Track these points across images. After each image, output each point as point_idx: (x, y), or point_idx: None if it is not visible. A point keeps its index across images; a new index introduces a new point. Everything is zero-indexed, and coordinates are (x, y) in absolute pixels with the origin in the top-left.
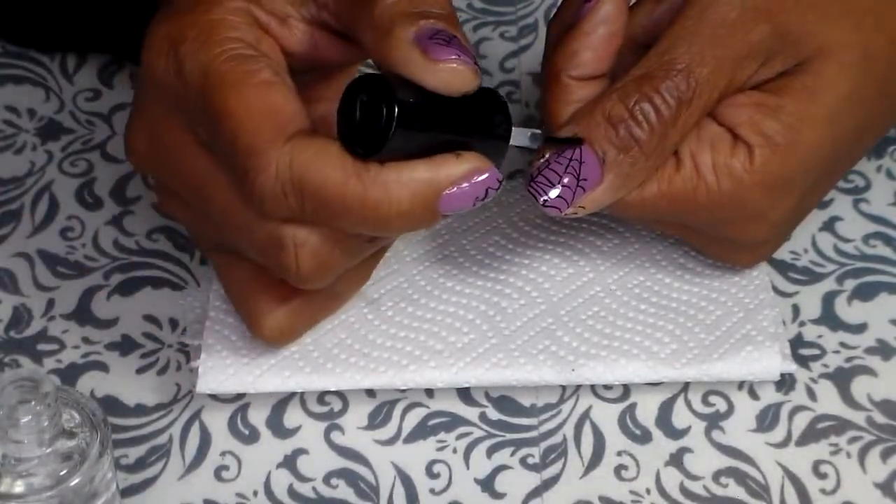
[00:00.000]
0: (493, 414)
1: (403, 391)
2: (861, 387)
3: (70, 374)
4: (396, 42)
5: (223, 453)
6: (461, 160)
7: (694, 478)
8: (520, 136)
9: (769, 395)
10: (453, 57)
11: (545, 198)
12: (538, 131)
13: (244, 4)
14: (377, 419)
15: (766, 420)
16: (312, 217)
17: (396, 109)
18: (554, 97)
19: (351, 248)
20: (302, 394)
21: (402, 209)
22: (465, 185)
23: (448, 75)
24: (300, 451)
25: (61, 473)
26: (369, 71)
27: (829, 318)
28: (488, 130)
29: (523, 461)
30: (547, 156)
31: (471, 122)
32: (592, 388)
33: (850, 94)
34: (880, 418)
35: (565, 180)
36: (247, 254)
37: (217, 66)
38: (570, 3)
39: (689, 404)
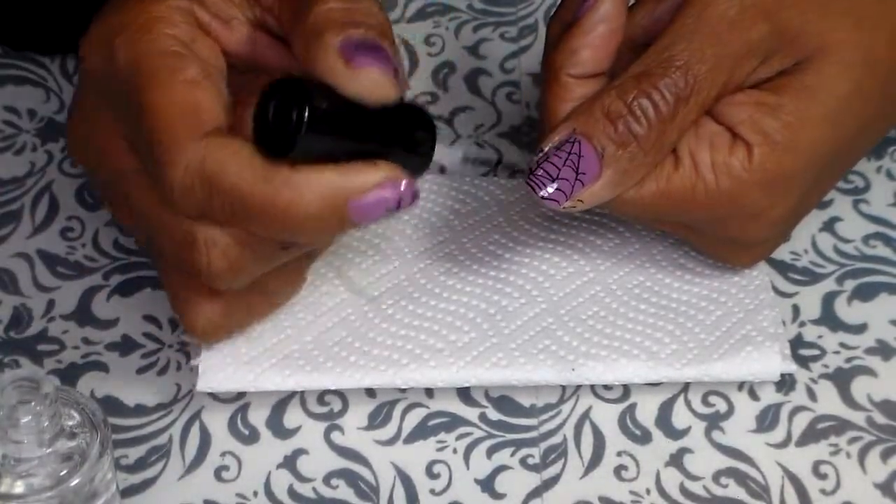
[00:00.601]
0: (493, 414)
1: (403, 391)
2: (861, 387)
3: (70, 375)
4: (322, 48)
5: (223, 453)
6: (373, 169)
7: (694, 478)
8: (451, 155)
9: (769, 396)
10: (374, 66)
11: (544, 191)
12: (471, 156)
13: (186, 4)
14: (377, 419)
15: (766, 420)
16: (222, 216)
17: (307, 112)
18: (553, 95)
19: (263, 252)
20: (302, 394)
21: (309, 212)
22: (376, 194)
23: (367, 84)
24: (300, 452)
25: (61, 474)
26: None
27: (829, 319)
28: (409, 145)
29: (523, 461)
30: (546, 150)
31: (390, 135)
32: (592, 388)
33: (850, 93)
34: (880, 418)
35: (564, 174)
36: (164, 251)
37: (147, 60)
38: (570, 2)
39: (689, 404)
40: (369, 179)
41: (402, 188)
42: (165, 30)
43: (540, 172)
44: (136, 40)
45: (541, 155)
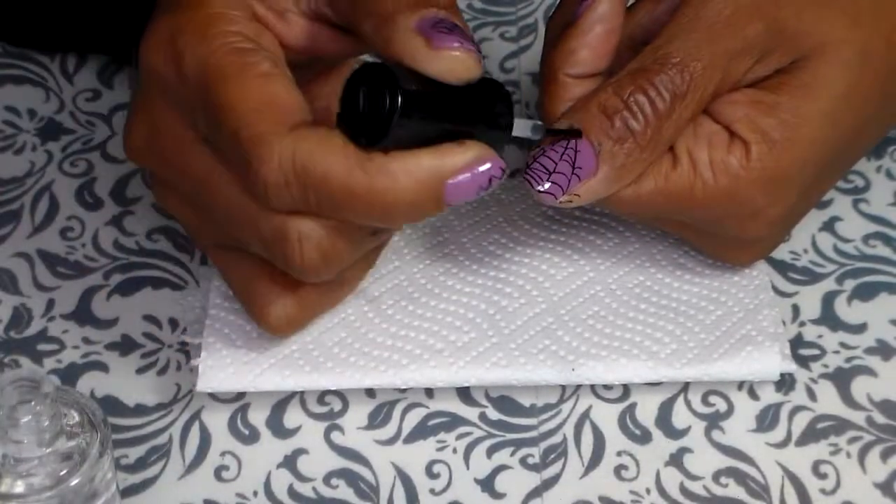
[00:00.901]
0: (493, 414)
1: (403, 391)
2: (861, 387)
3: (70, 374)
4: (398, 30)
5: (223, 453)
6: (465, 149)
7: (694, 478)
8: (522, 127)
9: (769, 395)
10: (455, 45)
11: (540, 185)
12: (540, 122)
13: None
14: (377, 419)
15: (766, 420)
16: (316, 208)
17: (399, 97)
18: (551, 94)
19: (355, 240)
20: (302, 394)
21: (407, 198)
22: (469, 173)
23: (450, 63)
24: (300, 451)
25: (61, 473)
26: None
27: (829, 319)
28: (491, 120)
29: (523, 461)
30: (543, 145)
31: (473, 112)
32: (592, 388)
33: (847, 91)
34: (880, 418)
35: (560, 168)
36: (250, 248)
37: (216, 58)
38: (568, 2)
39: (689, 404)
40: (462, 160)
41: (492, 164)
42: (228, 27)
43: (536, 166)
44: (201, 40)
45: (538, 150)
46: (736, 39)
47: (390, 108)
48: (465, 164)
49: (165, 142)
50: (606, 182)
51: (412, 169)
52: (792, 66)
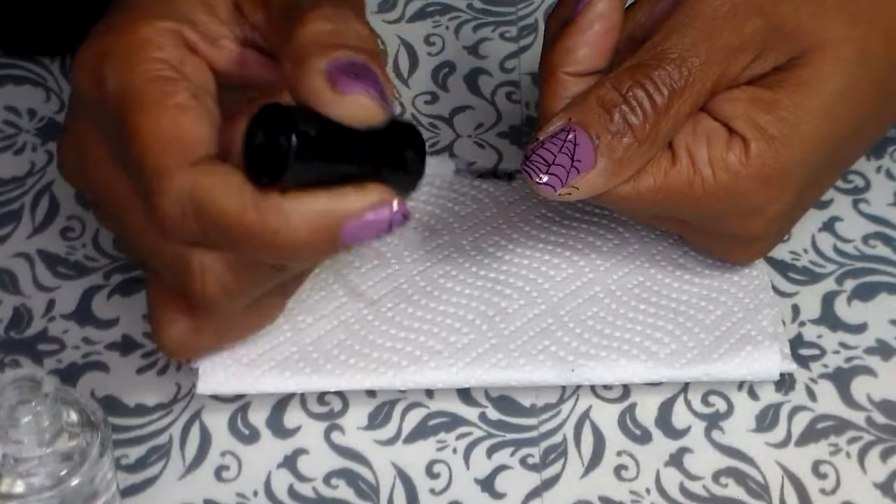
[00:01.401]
0: (493, 414)
1: (404, 391)
2: (861, 387)
3: (70, 374)
4: (308, 72)
5: (223, 453)
6: (364, 192)
7: (694, 478)
8: (442, 166)
9: (769, 395)
10: (360, 91)
11: (539, 177)
12: (464, 167)
13: (174, 25)
14: (377, 419)
15: (766, 420)
16: (215, 243)
17: (294, 140)
18: (549, 92)
19: (258, 275)
20: (302, 394)
21: (300, 239)
22: (368, 216)
23: (353, 108)
24: (300, 451)
25: (61, 473)
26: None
27: (828, 319)
28: (399, 165)
29: (523, 461)
30: (542, 138)
31: (380, 155)
32: (592, 388)
33: (846, 88)
34: (880, 418)
35: (559, 160)
36: (161, 273)
37: (136, 85)
38: (568, 0)
39: (688, 404)
40: (359, 203)
41: (394, 209)
42: (153, 53)
43: (535, 158)
44: (124, 64)
45: (536, 143)
46: (734, 35)
47: (286, 149)
48: (362, 208)
49: (88, 162)
50: (605, 175)
51: (305, 210)
52: (790, 64)
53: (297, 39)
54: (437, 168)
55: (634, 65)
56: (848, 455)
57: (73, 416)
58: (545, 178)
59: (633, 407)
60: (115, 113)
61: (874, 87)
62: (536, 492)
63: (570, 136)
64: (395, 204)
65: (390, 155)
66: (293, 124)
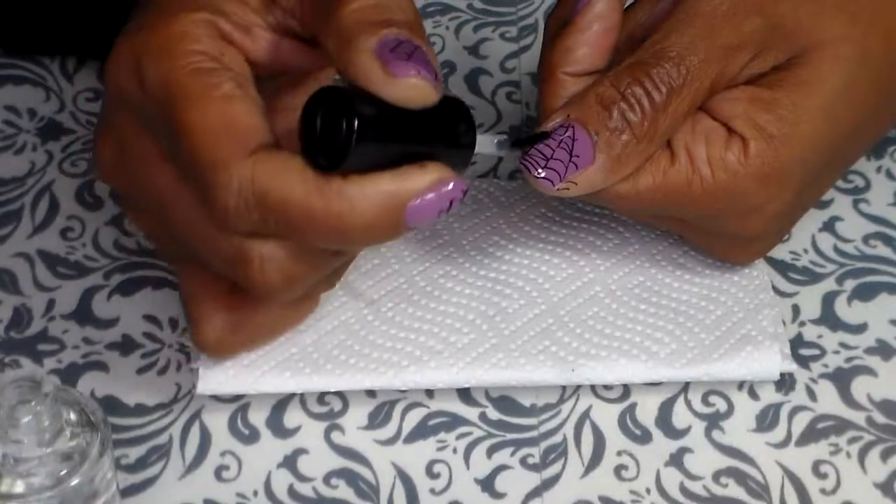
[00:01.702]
0: (493, 414)
1: (404, 391)
2: (861, 387)
3: (70, 374)
4: (357, 53)
5: (223, 453)
6: (425, 171)
7: (694, 478)
8: (486, 143)
9: (769, 395)
10: (412, 72)
11: (537, 171)
12: (504, 137)
13: (207, 16)
14: (377, 419)
15: (766, 420)
16: (276, 231)
17: (356, 122)
18: (548, 92)
19: (317, 262)
20: (302, 394)
21: (366, 222)
22: (429, 196)
23: (407, 90)
24: (300, 451)
25: (61, 473)
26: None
27: (829, 319)
28: (452, 140)
29: (523, 461)
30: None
31: (434, 132)
32: (592, 388)
33: (845, 87)
34: (880, 418)
35: (558, 155)
36: (212, 266)
37: (178, 79)
38: (567, 0)
39: (689, 404)
40: (421, 183)
41: (453, 186)
42: (191, 46)
43: (534, 153)
44: (163, 60)
45: (535, 138)
46: (733, 34)
47: (347, 133)
48: (425, 187)
49: (131, 158)
50: (603, 172)
51: (370, 193)
52: (790, 63)
53: (341, 18)
54: (482, 146)
55: (633, 63)
56: (848, 455)
57: (73, 416)
58: (543, 173)
59: (633, 407)
60: (160, 109)
61: (874, 86)
62: (536, 492)
63: (569, 132)
64: (454, 181)
65: (443, 131)
66: (352, 106)
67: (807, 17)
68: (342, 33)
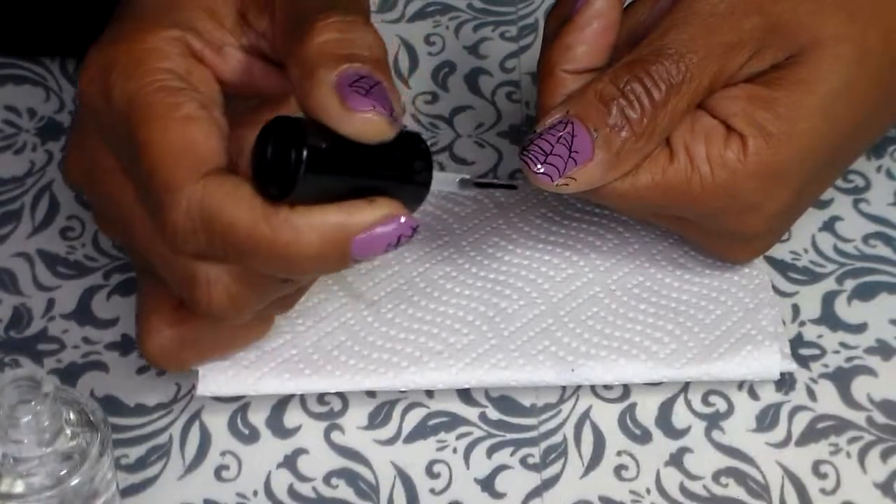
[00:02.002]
0: (493, 414)
1: (403, 391)
2: (861, 387)
3: (70, 374)
4: (317, 85)
5: (223, 453)
6: (374, 206)
7: (694, 478)
8: (446, 181)
9: (769, 395)
10: (368, 108)
11: (536, 166)
12: (467, 177)
13: (180, 34)
14: (377, 419)
15: (766, 420)
16: (223, 255)
17: (305, 153)
18: (547, 90)
19: (265, 287)
20: (302, 394)
21: (311, 253)
22: (377, 230)
23: (362, 125)
24: (300, 451)
25: (61, 473)
26: None
27: (829, 318)
28: (407, 177)
29: (523, 461)
30: (540, 130)
31: (388, 168)
32: (592, 388)
33: (844, 86)
34: (880, 418)
35: (557, 151)
36: (167, 283)
37: (143, 96)
38: None
39: (689, 404)
40: (369, 218)
41: (402, 223)
42: (159, 63)
43: (533, 148)
44: (131, 75)
45: (534, 134)
46: (732, 32)
47: (296, 163)
48: (373, 222)
49: (96, 170)
50: (603, 168)
51: (317, 224)
52: (789, 62)
53: (306, 49)
54: (442, 183)
55: (632, 60)
56: (848, 455)
57: (73, 416)
58: (542, 168)
59: (633, 407)
60: (123, 124)
61: (874, 85)
62: (536, 492)
63: (568, 128)
64: (404, 217)
65: (398, 167)
66: (303, 138)
67: (806, 16)
68: (305, 64)
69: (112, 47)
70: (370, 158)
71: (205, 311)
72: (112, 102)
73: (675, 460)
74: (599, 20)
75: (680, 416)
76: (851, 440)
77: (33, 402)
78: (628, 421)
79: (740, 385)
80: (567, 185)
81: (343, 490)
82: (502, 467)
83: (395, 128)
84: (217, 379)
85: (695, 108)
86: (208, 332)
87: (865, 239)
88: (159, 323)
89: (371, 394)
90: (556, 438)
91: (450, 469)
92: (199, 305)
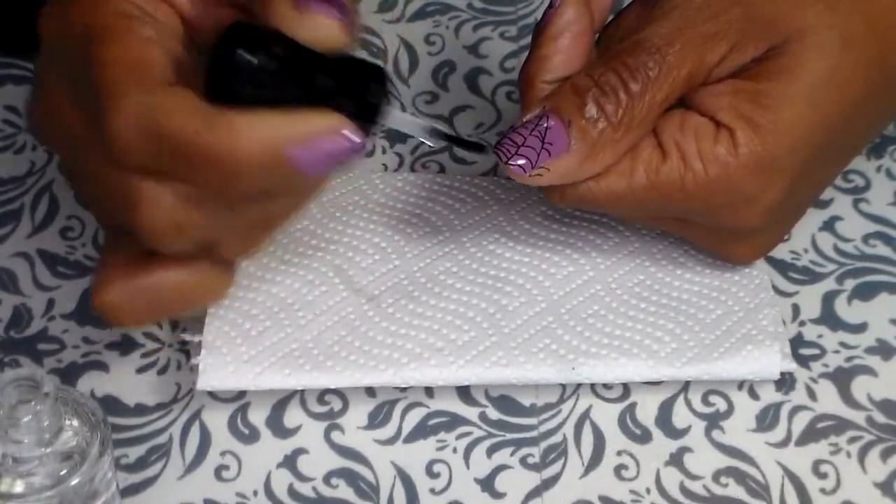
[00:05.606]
0: (493, 414)
1: (403, 390)
2: (861, 387)
3: (70, 374)
4: None
5: (223, 453)
6: (318, 116)
7: (694, 477)
8: (410, 124)
9: (769, 395)
10: (322, 11)
11: (506, 157)
12: (439, 127)
13: None
14: (377, 419)
15: (766, 420)
16: (166, 166)
17: (252, 58)
18: (529, 101)
19: (209, 212)
20: (302, 393)
21: (249, 158)
22: (319, 142)
23: (316, 29)
24: (300, 451)
25: (61, 473)
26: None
27: (829, 318)
28: (359, 98)
29: (523, 461)
30: (516, 126)
31: (341, 86)
32: (592, 387)
33: (828, 74)
34: (880, 418)
35: (530, 142)
36: (112, 217)
37: (103, 20)
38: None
39: (689, 404)
40: (312, 127)
41: (348, 139)
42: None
43: (506, 141)
44: (93, 7)
45: (509, 129)
46: (710, 23)
47: (244, 67)
48: (314, 132)
49: (54, 113)
50: (578, 158)
51: (256, 128)
52: (771, 53)
53: None
54: (410, 127)
55: (609, 55)
56: (848, 455)
57: (73, 416)
58: (515, 160)
59: (633, 406)
60: (81, 50)
61: (859, 73)
62: (536, 491)
63: (542, 120)
64: (349, 132)
65: (352, 86)
66: (255, 43)
67: (786, 7)
68: None
69: None
70: (324, 72)
71: (146, 234)
72: (72, 34)
73: (675, 460)
74: (571, 27)
75: (680, 416)
76: (851, 440)
77: (33, 402)
78: (628, 421)
79: (740, 385)
80: (541, 175)
81: (343, 490)
82: (502, 467)
83: (349, 36)
84: (217, 374)
85: (682, 107)
86: (164, 285)
87: (865, 239)
88: (112, 276)
89: (371, 393)
90: (556, 438)
91: (450, 469)
92: (141, 227)
